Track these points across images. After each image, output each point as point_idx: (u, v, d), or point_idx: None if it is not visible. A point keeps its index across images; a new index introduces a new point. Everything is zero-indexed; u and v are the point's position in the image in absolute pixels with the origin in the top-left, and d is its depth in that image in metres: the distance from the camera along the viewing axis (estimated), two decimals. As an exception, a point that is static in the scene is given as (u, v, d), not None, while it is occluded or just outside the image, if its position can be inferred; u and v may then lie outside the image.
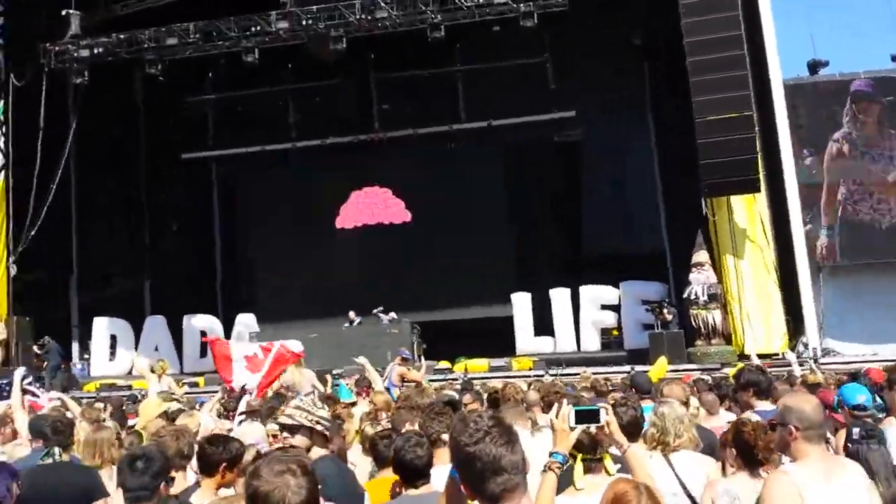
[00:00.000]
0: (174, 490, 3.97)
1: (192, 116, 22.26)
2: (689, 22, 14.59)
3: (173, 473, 3.94)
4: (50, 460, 5.12)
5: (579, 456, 3.30)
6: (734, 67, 14.34)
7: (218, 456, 3.88)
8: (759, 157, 14.52)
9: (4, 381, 8.67)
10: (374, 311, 17.86)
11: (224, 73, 20.97)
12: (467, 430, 2.09)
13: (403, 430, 4.46)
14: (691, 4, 14.63)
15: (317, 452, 3.97)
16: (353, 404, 7.29)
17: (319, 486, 2.29)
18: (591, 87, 19.80)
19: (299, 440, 4.00)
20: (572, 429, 2.95)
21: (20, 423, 6.47)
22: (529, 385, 9.14)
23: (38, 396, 8.50)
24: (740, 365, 10.81)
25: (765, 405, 5.10)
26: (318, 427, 4.04)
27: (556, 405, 3.06)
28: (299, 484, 2.19)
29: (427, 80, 20.47)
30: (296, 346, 9.15)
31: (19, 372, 7.96)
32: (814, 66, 18.82)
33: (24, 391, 8.07)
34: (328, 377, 11.23)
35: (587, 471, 3.27)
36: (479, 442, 2.05)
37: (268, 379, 8.37)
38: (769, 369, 8.33)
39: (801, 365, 10.55)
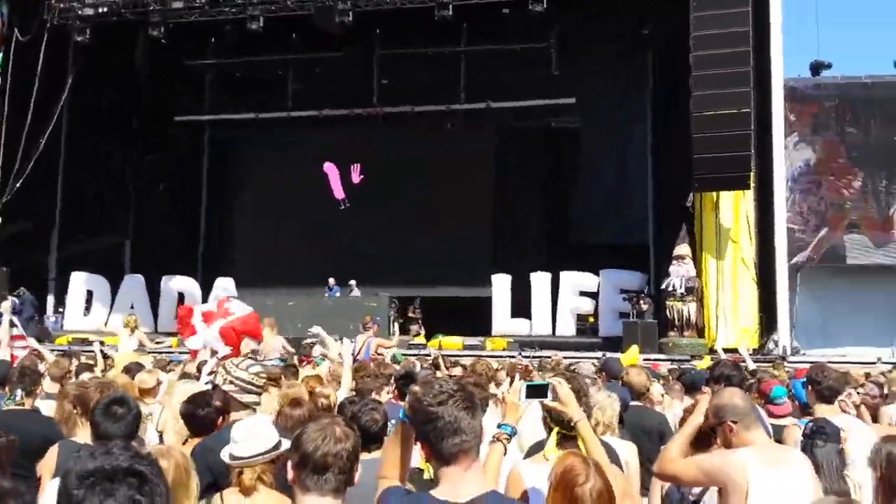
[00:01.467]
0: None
1: (191, 80, 22.22)
2: (698, 16, 14.58)
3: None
4: (11, 404, 5.14)
5: (555, 429, 3.37)
6: (737, 64, 14.35)
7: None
8: (752, 155, 14.59)
9: None
10: (329, 279, 18.10)
11: (227, 40, 20.78)
12: (432, 391, 2.16)
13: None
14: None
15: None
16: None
17: None
18: (593, 76, 19.83)
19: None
20: (520, 402, 3.04)
21: None
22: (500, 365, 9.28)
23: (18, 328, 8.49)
24: (707, 358, 10.97)
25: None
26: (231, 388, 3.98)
27: (511, 379, 3.14)
28: (346, 433, 2.36)
29: (430, 59, 20.38)
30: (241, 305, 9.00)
31: (6, 304, 7.99)
32: (816, 68, 18.91)
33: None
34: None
35: (559, 444, 3.33)
36: (443, 403, 2.13)
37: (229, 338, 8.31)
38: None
39: (770, 363, 10.71)
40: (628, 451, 4.12)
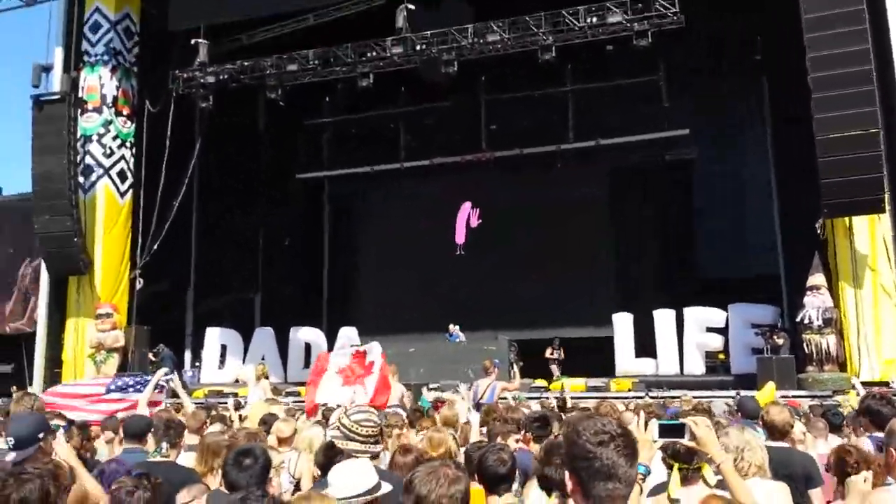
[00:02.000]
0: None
1: (308, 138, 23.43)
2: (812, 37, 14.03)
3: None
4: (158, 457, 5.40)
5: (675, 465, 3.25)
6: (860, 83, 13.64)
7: None
8: (885, 176, 13.79)
9: (124, 382, 9.26)
10: (450, 325, 18.17)
11: (340, 97, 21.77)
12: (594, 428, 2.10)
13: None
14: (816, 18, 14.03)
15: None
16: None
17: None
18: (706, 105, 19.43)
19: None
20: (655, 442, 2.93)
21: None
22: (626, 406, 9.01)
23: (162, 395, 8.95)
24: (853, 392, 10.28)
25: (880, 434, 4.86)
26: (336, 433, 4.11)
27: (639, 418, 3.04)
28: (453, 477, 2.40)
29: (536, 101, 20.54)
30: (375, 347, 9.38)
31: (161, 372, 8.48)
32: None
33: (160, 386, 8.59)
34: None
35: (684, 481, 3.21)
36: (603, 444, 2.06)
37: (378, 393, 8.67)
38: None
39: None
40: (781, 493, 3.90)
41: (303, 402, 12.83)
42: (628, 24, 16.20)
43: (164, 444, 5.40)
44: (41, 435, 3.84)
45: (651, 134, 19.34)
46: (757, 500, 3.77)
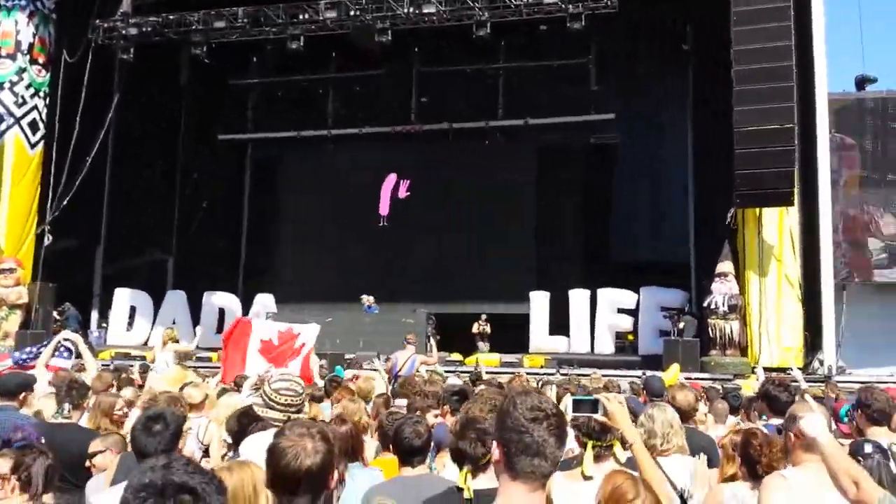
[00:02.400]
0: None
1: (233, 99, 22.67)
2: (739, 30, 14.39)
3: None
4: (59, 418, 5.23)
5: (589, 443, 3.31)
6: (781, 79, 14.13)
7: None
8: (796, 170, 14.35)
9: (30, 350, 8.93)
10: (362, 296, 18.12)
11: (268, 59, 21.23)
12: (531, 404, 2.09)
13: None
14: (743, 12, 14.41)
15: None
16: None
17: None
18: (632, 92, 19.78)
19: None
20: (571, 419, 2.98)
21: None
22: (539, 383, 9.20)
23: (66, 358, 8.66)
24: (754, 377, 10.75)
25: (777, 420, 5.06)
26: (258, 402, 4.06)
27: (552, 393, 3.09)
28: (316, 448, 2.30)
29: (468, 76, 20.49)
30: (312, 330, 9.35)
31: (62, 334, 8.17)
32: (861, 83, 18.52)
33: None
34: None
35: (597, 458, 3.26)
36: (537, 421, 2.06)
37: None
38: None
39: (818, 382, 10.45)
40: (699, 464, 4.07)
41: (214, 367, 12.63)
42: (563, 6, 16.28)
43: (67, 406, 5.23)
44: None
45: (578, 116, 19.58)
46: (680, 473, 3.93)
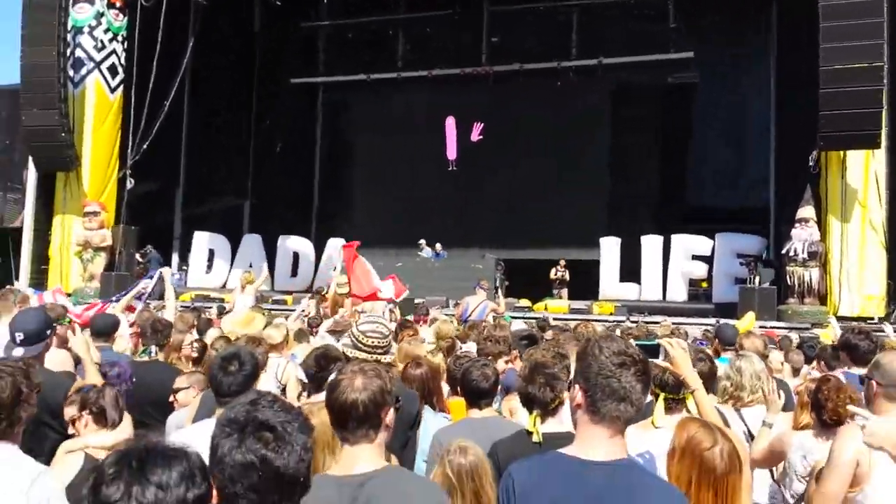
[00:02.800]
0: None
1: (304, 42, 22.80)
2: (826, -37, 13.68)
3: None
4: (146, 357, 5.48)
5: (661, 394, 3.31)
6: (869, 14, 13.41)
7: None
8: (883, 111, 13.67)
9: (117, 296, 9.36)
10: (420, 242, 18.20)
11: (338, 0, 21.08)
12: (617, 348, 2.11)
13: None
14: (829, -52, 13.68)
15: None
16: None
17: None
18: (713, 30, 18.99)
19: None
20: None
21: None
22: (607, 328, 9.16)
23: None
24: (830, 326, 10.45)
25: (858, 370, 4.92)
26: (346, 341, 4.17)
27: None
28: (363, 384, 2.35)
29: (540, 14, 20.05)
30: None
31: (167, 270, 8.54)
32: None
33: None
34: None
35: (668, 410, 3.28)
36: (625, 366, 2.08)
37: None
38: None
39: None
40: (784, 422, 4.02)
41: (289, 310, 12.97)
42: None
43: (154, 347, 5.47)
44: (48, 332, 3.85)
45: (655, 55, 18.94)
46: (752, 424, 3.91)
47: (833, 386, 3.75)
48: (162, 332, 5.62)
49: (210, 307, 12.83)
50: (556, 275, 18.41)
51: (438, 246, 18.37)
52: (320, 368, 3.72)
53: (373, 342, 3.95)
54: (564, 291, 18.14)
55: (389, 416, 2.39)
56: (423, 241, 18.47)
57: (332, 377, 2.48)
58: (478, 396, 3.76)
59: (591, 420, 2.09)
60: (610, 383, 2.06)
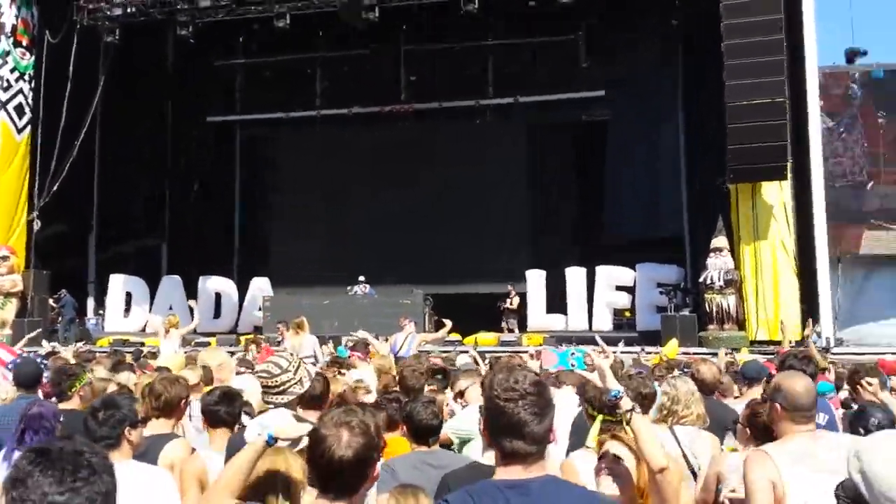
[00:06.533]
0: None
1: (220, 80, 22.50)
2: (728, 4, 14.40)
3: (168, 420, 4.02)
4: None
5: (598, 416, 3.30)
6: (770, 53, 14.15)
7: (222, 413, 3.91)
8: (788, 144, 14.38)
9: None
10: (360, 280, 18.09)
11: (255, 38, 21.05)
12: (508, 383, 2.07)
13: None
14: (732, -13, 14.44)
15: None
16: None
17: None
18: (623, 68, 19.68)
19: None
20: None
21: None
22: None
23: None
24: (746, 350, 10.82)
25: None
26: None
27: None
28: (350, 442, 2.17)
29: (457, 54, 20.44)
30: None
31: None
32: (851, 56, 18.55)
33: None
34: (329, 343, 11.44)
35: (604, 433, 3.22)
36: (511, 401, 2.04)
37: None
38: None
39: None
40: (715, 442, 4.09)
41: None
42: (554, -20, 16.17)
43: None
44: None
45: (568, 94, 19.55)
46: (697, 445, 3.96)
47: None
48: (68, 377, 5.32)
49: (129, 351, 12.33)
50: (508, 304, 18.04)
51: (364, 284, 18.24)
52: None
53: (264, 382, 3.69)
54: (514, 322, 17.96)
55: (375, 469, 2.26)
56: (362, 278, 18.22)
57: (315, 430, 2.29)
58: (426, 434, 3.74)
59: (498, 456, 2.08)
60: (500, 420, 2.04)
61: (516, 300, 18.06)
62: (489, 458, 3.21)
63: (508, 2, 17.28)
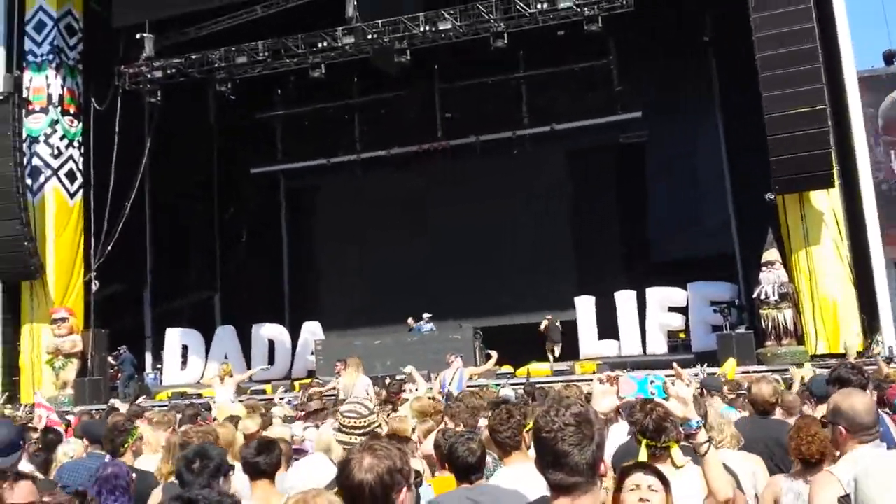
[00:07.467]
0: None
1: (261, 132, 23.09)
2: (759, 17, 14.25)
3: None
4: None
5: (644, 441, 3.24)
6: (806, 61, 13.89)
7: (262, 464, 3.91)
8: (832, 151, 14.08)
9: None
10: (424, 316, 18.02)
11: (292, 89, 21.59)
12: (547, 416, 2.11)
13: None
14: (762, -1, 14.32)
15: None
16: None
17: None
18: (657, 88, 19.68)
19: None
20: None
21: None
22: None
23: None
24: (807, 366, 10.52)
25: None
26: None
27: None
28: (371, 464, 2.21)
29: (490, 88, 20.71)
30: None
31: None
32: (889, 57, 18.23)
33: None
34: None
35: (651, 458, 3.18)
36: (551, 433, 2.07)
37: None
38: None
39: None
40: (756, 463, 4.01)
41: (268, 398, 12.73)
42: (578, 9, 16.23)
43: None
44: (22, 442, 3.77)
45: (604, 118, 19.54)
46: (739, 465, 3.85)
47: (797, 425, 3.79)
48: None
49: (189, 403, 12.50)
50: (544, 327, 17.49)
51: (411, 320, 18.29)
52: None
53: (350, 422, 3.91)
54: (558, 347, 17.57)
55: (404, 498, 2.26)
56: (427, 315, 18.12)
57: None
58: (466, 471, 3.70)
59: (548, 488, 2.10)
60: (545, 454, 2.07)
61: (544, 322, 17.65)
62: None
63: (537, 34, 17.37)
